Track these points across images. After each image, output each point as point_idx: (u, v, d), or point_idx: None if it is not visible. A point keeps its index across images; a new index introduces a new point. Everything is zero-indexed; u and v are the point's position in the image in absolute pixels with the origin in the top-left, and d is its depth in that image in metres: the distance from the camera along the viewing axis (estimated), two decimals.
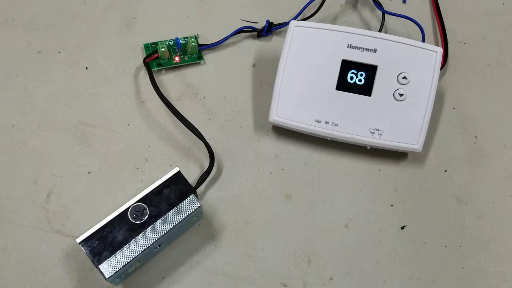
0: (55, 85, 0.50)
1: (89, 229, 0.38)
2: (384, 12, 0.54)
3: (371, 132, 0.45)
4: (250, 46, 0.54)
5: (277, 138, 0.48)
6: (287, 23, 0.53)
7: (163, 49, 0.50)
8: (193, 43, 0.51)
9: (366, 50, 0.45)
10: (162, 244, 0.41)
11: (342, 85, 0.45)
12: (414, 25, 0.51)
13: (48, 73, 0.51)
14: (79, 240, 0.37)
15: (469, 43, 0.55)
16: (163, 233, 0.38)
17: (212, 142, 0.47)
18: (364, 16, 0.56)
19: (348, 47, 0.45)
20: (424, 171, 0.47)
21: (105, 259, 0.37)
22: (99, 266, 0.37)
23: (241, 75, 0.52)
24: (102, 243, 0.37)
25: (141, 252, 0.38)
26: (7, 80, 0.50)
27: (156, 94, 0.47)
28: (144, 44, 0.52)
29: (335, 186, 0.46)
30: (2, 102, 0.49)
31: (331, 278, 0.42)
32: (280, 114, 0.46)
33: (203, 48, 0.52)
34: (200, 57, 0.52)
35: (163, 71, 0.51)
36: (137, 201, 0.39)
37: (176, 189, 0.40)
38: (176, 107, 0.46)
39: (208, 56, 0.53)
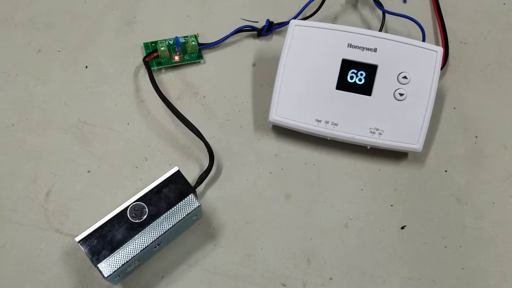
0: (54, 84, 0.50)
1: (88, 228, 0.38)
2: (384, 12, 0.54)
3: (371, 132, 0.45)
4: (250, 46, 0.54)
5: (277, 138, 0.48)
6: (287, 23, 0.53)
7: (163, 48, 0.50)
8: (193, 42, 0.51)
9: (366, 50, 0.45)
10: (161, 243, 0.41)
11: (342, 84, 0.45)
12: (415, 24, 0.51)
13: (48, 72, 0.51)
14: (78, 239, 0.37)
15: (470, 43, 0.55)
16: (162, 232, 0.38)
17: (212, 141, 0.46)
18: (364, 16, 0.56)
19: (348, 46, 0.45)
20: (424, 171, 0.47)
21: (104, 258, 0.37)
22: (98, 265, 0.37)
23: (241, 75, 0.52)
24: (101, 242, 0.37)
25: (140, 251, 0.37)
26: (7, 79, 0.50)
27: (155, 93, 0.47)
28: (144, 43, 0.52)
29: (335, 186, 0.46)
30: (2, 101, 0.49)
31: (330, 278, 0.42)
32: (280, 113, 0.46)
33: (203, 47, 0.52)
34: (200, 56, 0.52)
35: (163, 70, 0.51)
36: (136, 200, 0.39)
37: (175, 188, 0.40)
38: (175, 106, 0.46)
39: (208, 55, 0.53)
